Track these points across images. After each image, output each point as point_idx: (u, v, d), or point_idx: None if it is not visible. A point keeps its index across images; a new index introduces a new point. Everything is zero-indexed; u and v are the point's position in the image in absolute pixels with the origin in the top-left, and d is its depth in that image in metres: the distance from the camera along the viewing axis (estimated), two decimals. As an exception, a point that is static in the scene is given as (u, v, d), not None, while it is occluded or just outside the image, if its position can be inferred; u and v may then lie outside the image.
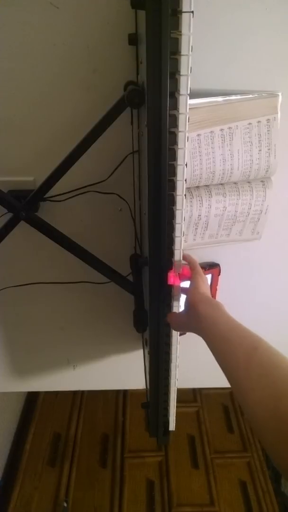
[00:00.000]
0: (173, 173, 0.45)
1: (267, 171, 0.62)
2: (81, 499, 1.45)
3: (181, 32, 0.37)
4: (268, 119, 0.59)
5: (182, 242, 0.51)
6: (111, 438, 1.65)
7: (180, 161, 0.44)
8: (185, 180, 0.46)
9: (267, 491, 1.49)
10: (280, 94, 0.58)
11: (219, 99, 0.56)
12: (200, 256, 0.75)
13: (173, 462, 1.56)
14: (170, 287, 0.54)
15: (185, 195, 0.47)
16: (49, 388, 1.01)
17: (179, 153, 0.44)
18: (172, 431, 0.72)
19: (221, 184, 0.64)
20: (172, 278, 0.52)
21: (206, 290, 0.54)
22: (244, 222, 0.68)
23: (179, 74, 0.39)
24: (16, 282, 0.76)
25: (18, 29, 0.53)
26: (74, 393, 1.83)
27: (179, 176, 0.45)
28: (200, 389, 1.85)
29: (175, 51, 0.38)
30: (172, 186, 0.46)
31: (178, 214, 0.48)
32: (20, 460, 1.57)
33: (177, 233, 0.50)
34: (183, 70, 0.39)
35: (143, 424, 1.69)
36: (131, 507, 1.43)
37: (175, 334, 0.59)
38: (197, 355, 0.80)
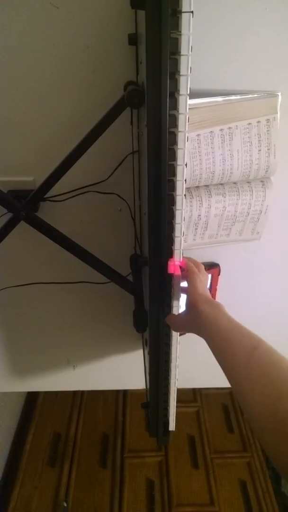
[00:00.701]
0: (173, 173, 0.45)
1: (267, 171, 0.62)
2: (81, 499, 1.45)
3: (181, 32, 0.37)
4: (268, 119, 0.59)
5: (182, 242, 0.51)
6: (111, 438, 1.65)
7: (180, 161, 0.44)
8: (185, 180, 0.46)
9: (267, 491, 1.49)
10: (279, 94, 0.58)
11: (219, 99, 0.56)
12: (200, 256, 0.75)
13: (173, 462, 1.56)
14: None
15: (185, 195, 0.47)
16: (49, 388, 1.01)
17: (179, 153, 0.44)
18: (172, 431, 0.72)
19: (221, 184, 0.64)
20: (172, 267, 0.52)
21: (206, 291, 0.54)
22: (244, 222, 0.68)
23: (179, 74, 0.39)
24: (16, 282, 0.76)
25: (18, 29, 0.53)
26: (74, 393, 1.83)
27: (179, 176, 0.45)
28: (200, 389, 1.85)
29: (175, 51, 0.38)
30: (172, 186, 0.46)
31: (178, 214, 0.48)
32: (20, 460, 1.57)
33: (177, 233, 0.49)
34: (183, 70, 0.39)
35: (143, 424, 1.69)
36: (131, 507, 1.43)
37: (175, 334, 0.59)
38: (197, 355, 0.80)
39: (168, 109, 0.41)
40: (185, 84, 0.40)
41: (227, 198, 0.64)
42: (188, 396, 1.82)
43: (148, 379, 0.68)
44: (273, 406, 0.35)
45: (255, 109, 0.58)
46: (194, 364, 0.87)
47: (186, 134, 0.43)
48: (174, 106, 0.41)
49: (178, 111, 0.41)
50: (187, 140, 0.44)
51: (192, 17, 0.37)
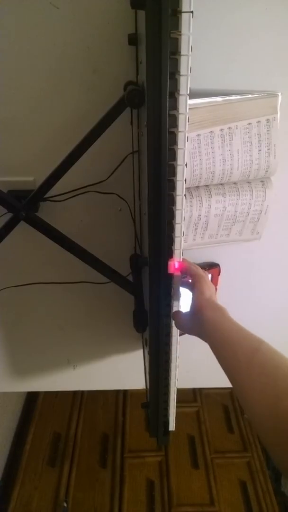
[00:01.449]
0: (173, 173, 0.45)
1: (267, 171, 0.62)
2: (81, 499, 1.45)
3: (181, 32, 0.37)
4: (268, 119, 0.59)
5: (182, 242, 0.51)
6: (111, 438, 1.65)
7: (180, 161, 0.44)
8: (185, 180, 0.46)
9: (267, 491, 1.49)
10: (279, 94, 0.58)
11: (219, 99, 0.56)
12: (200, 256, 0.75)
13: (173, 462, 1.56)
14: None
15: (185, 195, 0.47)
16: (49, 388, 1.01)
17: (179, 153, 0.44)
18: (172, 431, 0.72)
19: (221, 184, 0.64)
20: (172, 267, 0.52)
21: (212, 295, 0.53)
22: (244, 222, 0.68)
23: (179, 74, 0.39)
24: (16, 282, 0.76)
25: (18, 29, 0.53)
26: (74, 393, 1.83)
27: (179, 176, 0.45)
28: (200, 389, 1.85)
29: (175, 51, 0.38)
30: (172, 186, 0.46)
31: (178, 214, 0.48)
32: (20, 460, 1.57)
33: (177, 233, 0.50)
34: (183, 70, 0.39)
35: (143, 424, 1.69)
36: (131, 507, 1.43)
37: (175, 334, 0.59)
38: (197, 355, 0.80)
39: (168, 109, 0.41)
40: (185, 84, 0.40)
41: (227, 198, 0.64)
42: (188, 396, 1.82)
43: (148, 379, 0.68)
44: (274, 405, 0.35)
45: (255, 109, 0.58)
46: (194, 364, 0.87)
47: (186, 134, 0.43)
48: (174, 106, 0.41)
49: (178, 111, 0.41)
50: (187, 140, 0.44)
51: (192, 17, 0.37)
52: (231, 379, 0.42)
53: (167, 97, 0.40)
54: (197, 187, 0.63)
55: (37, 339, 0.88)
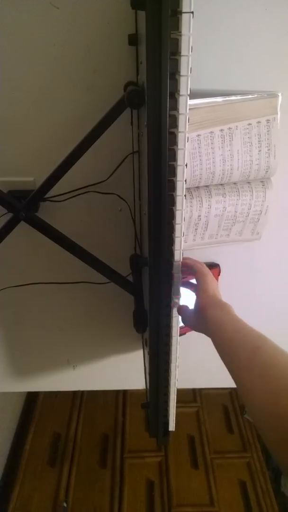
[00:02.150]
0: (173, 173, 0.45)
1: (267, 171, 0.62)
2: (81, 499, 1.45)
3: (181, 32, 0.37)
4: (268, 120, 0.59)
5: (182, 242, 0.51)
6: (111, 438, 1.65)
7: (180, 161, 0.44)
8: (185, 180, 0.46)
9: (267, 491, 1.49)
10: (280, 94, 0.58)
11: (219, 99, 0.56)
12: (200, 256, 0.75)
13: (173, 462, 1.56)
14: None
15: (185, 195, 0.47)
16: (49, 388, 1.01)
17: (179, 154, 0.44)
18: (172, 431, 0.72)
19: (221, 184, 0.64)
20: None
21: (216, 291, 0.54)
22: (244, 223, 0.68)
23: (179, 75, 0.39)
24: (16, 282, 0.76)
25: (18, 29, 0.53)
26: (74, 393, 1.83)
27: (179, 177, 0.45)
28: (200, 389, 1.85)
29: (175, 51, 0.38)
30: (172, 187, 0.46)
31: (178, 214, 0.48)
32: (20, 460, 1.57)
33: (177, 233, 0.50)
34: (183, 70, 0.39)
35: (143, 424, 1.69)
36: (131, 507, 1.43)
37: (175, 334, 0.59)
38: (197, 355, 0.80)
39: (168, 109, 0.41)
40: (185, 84, 0.40)
41: (227, 199, 0.64)
42: (188, 396, 1.82)
43: (148, 379, 0.68)
44: (274, 404, 0.35)
45: (255, 110, 0.58)
46: (194, 364, 0.87)
47: (186, 135, 0.43)
48: (174, 106, 0.41)
49: (178, 112, 0.41)
50: (187, 141, 0.44)
51: (193, 17, 0.37)
52: (233, 378, 0.42)
53: (167, 97, 0.40)
54: (197, 187, 0.63)
55: (37, 339, 0.88)
